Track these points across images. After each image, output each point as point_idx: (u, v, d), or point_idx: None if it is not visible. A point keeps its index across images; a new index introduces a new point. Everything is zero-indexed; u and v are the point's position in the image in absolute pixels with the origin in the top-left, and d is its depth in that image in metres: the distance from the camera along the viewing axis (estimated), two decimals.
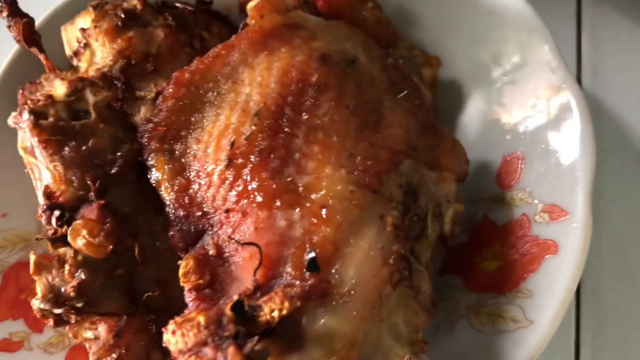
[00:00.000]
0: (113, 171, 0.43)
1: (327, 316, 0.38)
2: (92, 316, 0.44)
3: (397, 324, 0.40)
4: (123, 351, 0.44)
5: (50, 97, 0.43)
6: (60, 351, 0.52)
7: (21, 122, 0.42)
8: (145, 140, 0.43)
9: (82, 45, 0.57)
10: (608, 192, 0.60)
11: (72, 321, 0.44)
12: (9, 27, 0.55)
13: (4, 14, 0.55)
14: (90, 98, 0.45)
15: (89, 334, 0.45)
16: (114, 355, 0.44)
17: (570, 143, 0.50)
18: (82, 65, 0.56)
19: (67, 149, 0.42)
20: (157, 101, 0.45)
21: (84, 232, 0.41)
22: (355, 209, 0.40)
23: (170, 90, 0.44)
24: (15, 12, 0.55)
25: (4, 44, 0.63)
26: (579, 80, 0.66)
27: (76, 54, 0.58)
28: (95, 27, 0.54)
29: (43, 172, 0.43)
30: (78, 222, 0.41)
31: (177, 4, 0.58)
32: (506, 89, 0.56)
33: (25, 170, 0.47)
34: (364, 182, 0.41)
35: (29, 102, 0.43)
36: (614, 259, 0.59)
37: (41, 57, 0.56)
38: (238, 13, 0.61)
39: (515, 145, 0.54)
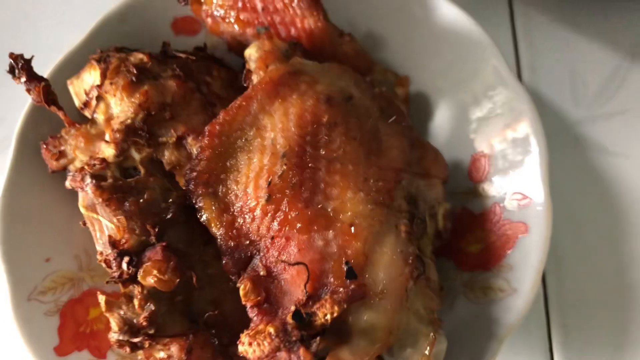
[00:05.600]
0: (168, 217, 0.50)
1: (368, 313, 0.47)
2: (163, 339, 0.52)
3: (419, 310, 0.51)
4: None
5: (104, 160, 0.50)
6: None
7: (83, 186, 0.49)
8: (192, 186, 0.51)
9: (92, 97, 0.63)
10: (556, 168, 0.72)
11: (146, 346, 0.52)
12: (27, 90, 0.61)
13: (23, 79, 0.60)
14: (136, 156, 0.51)
15: (161, 355, 0.52)
16: None
17: (525, 139, 0.61)
18: (99, 116, 0.62)
19: (126, 204, 0.49)
20: (196, 152, 0.52)
21: (155, 271, 0.49)
22: (377, 223, 0.50)
23: (206, 141, 0.52)
24: (33, 77, 0.60)
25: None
26: (519, 76, 0.77)
27: (86, 105, 0.64)
28: (111, 83, 0.60)
29: (105, 225, 0.50)
30: (148, 264, 0.49)
31: (177, 54, 0.64)
32: (467, 98, 0.66)
33: (80, 222, 0.53)
34: (379, 201, 0.51)
35: (85, 167, 0.49)
36: (568, 228, 0.71)
37: (60, 114, 0.62)
38: (226, 51, 0.69)
39: (479, 145, 0.64)
